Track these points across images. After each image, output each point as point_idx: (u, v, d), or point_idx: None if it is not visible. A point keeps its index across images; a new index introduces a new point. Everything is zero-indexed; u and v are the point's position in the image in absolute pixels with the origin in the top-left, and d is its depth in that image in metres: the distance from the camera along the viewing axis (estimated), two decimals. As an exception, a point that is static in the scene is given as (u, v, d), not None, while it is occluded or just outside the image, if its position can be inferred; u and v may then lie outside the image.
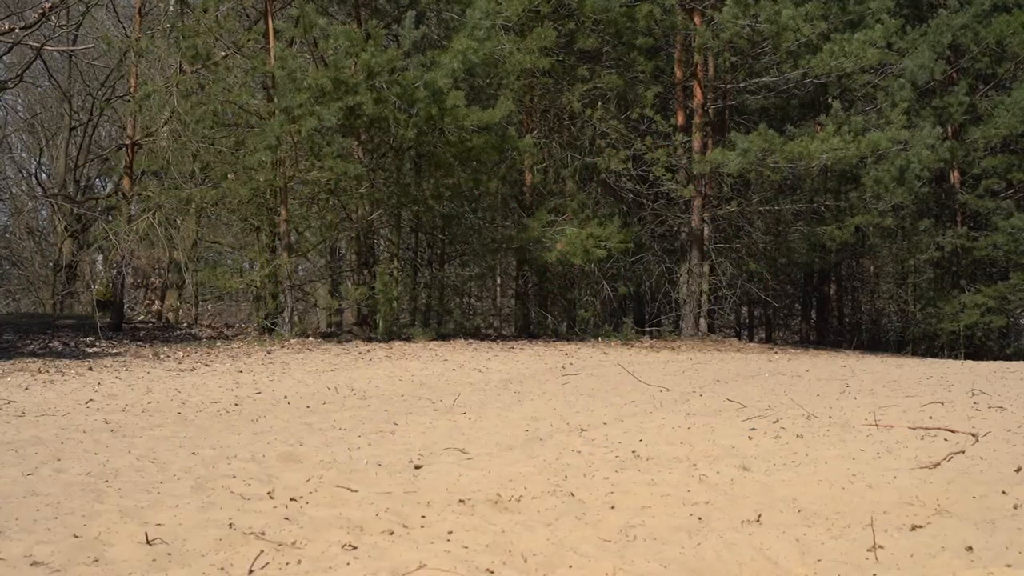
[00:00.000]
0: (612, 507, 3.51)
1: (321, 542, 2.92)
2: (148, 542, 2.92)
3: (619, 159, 16.68)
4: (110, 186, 23.38)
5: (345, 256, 17.40)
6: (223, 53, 14.57)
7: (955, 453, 4.47)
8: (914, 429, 5.27)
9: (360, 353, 12.35)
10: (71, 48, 19.10)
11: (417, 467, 4.48)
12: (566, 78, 17.18)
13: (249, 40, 14.67)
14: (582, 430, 5.76)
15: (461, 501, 3.62)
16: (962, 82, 19.64)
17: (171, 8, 16.86)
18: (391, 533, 3.08)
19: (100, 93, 21.33)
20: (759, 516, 3.34)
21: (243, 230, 16.96)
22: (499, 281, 20.10)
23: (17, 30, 13.23)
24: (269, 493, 3.72)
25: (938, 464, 4.26)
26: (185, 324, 16.85)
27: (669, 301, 18.45)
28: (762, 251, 19.29)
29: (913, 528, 3.11)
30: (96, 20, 20.77)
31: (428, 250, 18.26)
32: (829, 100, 16.93)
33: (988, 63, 20.23)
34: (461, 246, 17.69)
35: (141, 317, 18.36)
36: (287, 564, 2.71)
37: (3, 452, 4.85)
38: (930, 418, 5.69)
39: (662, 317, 18.67)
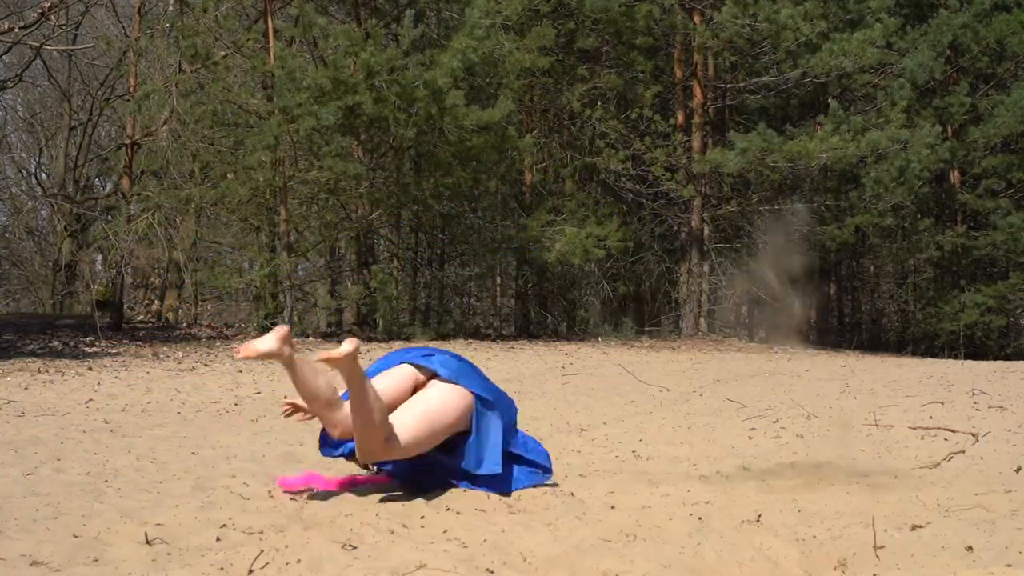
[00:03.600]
0: (612, 507, 3.50)
1: (321, 542, 2.92)
2: (148, 542, 2.92)
3: (619, 159, 16.67)
4: (109, 186, 23.38)
5: (345, 256, 17.40)
6: (223, 53, 14.56)
7: (955, 453, 4.47)
8: (914, 429, 5.27)
9: (360, 353, 12.35)
10: (70, 48, 19.10)
11: (417, 467, 4.47)
12: (566, 78, 17.18)
13: (249, 40, 14.66)
14: (582, 430, 5.76)
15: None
16: (962, 82, 19.63)
17: (171, 8, 16.86)
18: (391, 533, 3.08)
19: (100, 93, 21.33)
20: (759, 516, 3.33)
21: (243, 230, 16.97)
22: (499, 281, 20.10)
23: (16, 30, 13.23)
24: (269, 493, 3.72)
25: (938, 464, 4.26)
26: (185, 324, 16.85)
27: (669, 301, 18.45)
28: (762, 251, 19.29)
29: (913, 528, 3.10)
30: (96, 20, 20.77)
31: (428, 250, 18.26)
32: (829, 100, 16.94)
33: (988, 63, 20.21)
34: (461, 246, 17.69)
35: (141, 317, 18.36)
36: (287, 564, 2.71)
37: (3, 452, 4.85)
38: (930, 418, 5.69)
39: (662, 317, 18.68)
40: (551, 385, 9.02)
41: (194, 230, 17.38)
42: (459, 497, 3.65)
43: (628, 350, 14.30)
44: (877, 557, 2.79)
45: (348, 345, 3.30)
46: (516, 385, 9.05)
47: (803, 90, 18.14)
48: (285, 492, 3.66)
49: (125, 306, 16.32)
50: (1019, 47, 19.27)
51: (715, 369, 11.00)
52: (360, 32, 13.83)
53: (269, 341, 3.27)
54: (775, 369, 11.04)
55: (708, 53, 17.42)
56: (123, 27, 20.37)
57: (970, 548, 2.83)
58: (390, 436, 3.37)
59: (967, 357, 17.39)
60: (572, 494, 3.70)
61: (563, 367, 11.16)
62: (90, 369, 9.92)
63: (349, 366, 3.28)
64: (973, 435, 4.93)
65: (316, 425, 6.02)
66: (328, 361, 3.26)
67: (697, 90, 17.47)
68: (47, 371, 9.68)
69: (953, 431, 5.12)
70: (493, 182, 15.82)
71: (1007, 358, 17.40)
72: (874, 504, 3.49)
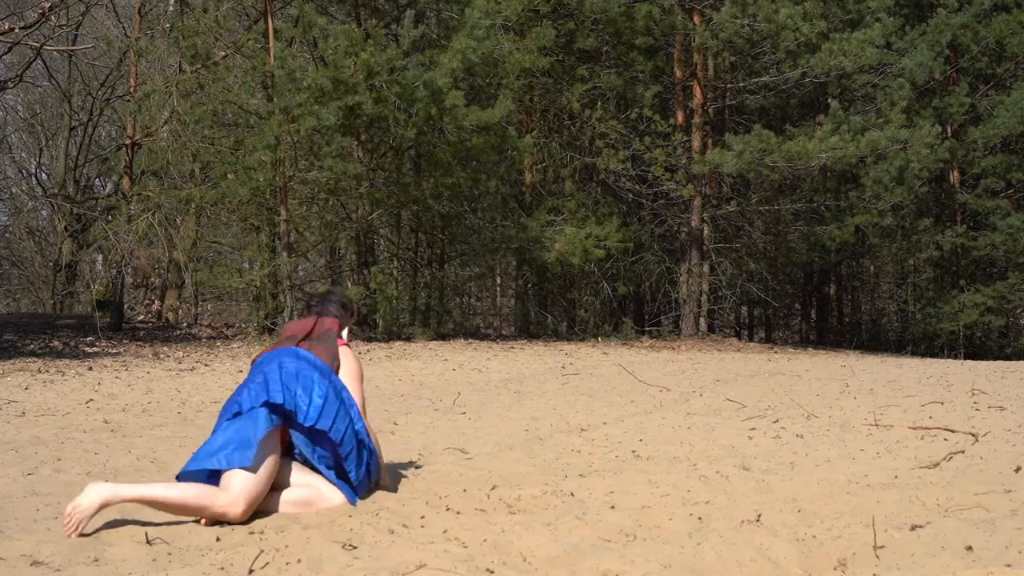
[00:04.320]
0: (612, 507, 3.51)
1: (321, 542, 2.92)
2: (148, 542, 2.93)
3: (618, 159, 16.68)
4: (110, 186, 23.40)
5: (345, 256, 17.41)
6: (223, 53, 14.58)
7: (955, 453, 4.48)
8: (914, 429, 5.28)
9: (360, 353, 12.35)
10: (71, 48, 19.10)
11: (417, 467, 4.48)
12: (566, 78, 17.19)
13: (249, 40, 14.68)
14: (582, 430, 5.77)
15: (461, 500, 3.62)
16: (962, 82, 19.64)
17: (171, 8, 16.87)
18: (391, 533, 3.08)
19: (100, 93, 21.35)
20: (759, 516, 3.33)
21: (243, 230, 16.98)
22: (499, 281, 20.11)
23: (17, 30, 13.23)
24: (269, 493, 3.71)
25: (938, 464, 4.26)
26: (185, 324, 16.85)
27: (669, 301, 18.45)
28: (762, 251, 19.31)
29: (913, 528, 3.11)
30: (96, 20, 20.78)
31: (428, 250, 18.26)
32: (829, 100, 16.95)
33: (988, 63, 20.23)
34: (461, 246, 17.70)
35: (141, 317, 18.38)
36: (287, 564, 2.72)
37: (3, 452, 4.86)
38: (930, 418, 5.69)
39: (662, 317, 18.68)
40: (551, 385, 9.02)
41: (194, 230, 17.40)
42: (459, 497, 3.65)
43: (628, 350, 14.30)
44: (877, 557, 2.80)
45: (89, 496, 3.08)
46: (516, 385, 9.06)
47: (803, 90, 18.15)
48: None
49: (125, 306, 16.33)
50: (1019, 47, 19.27)
51: (715, 369, 11.00)
52: (360, 32, 13.83)
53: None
54: (775, 369, 11.05)
55: (708, 53, 17.42)
56: (123, 27, 20.39)
57: (970, 548, 2.83)
58: (224, 500, 3.15)
59: (967, 357, 17.40)
60: (572, 494, 3.70)
61: (563, 367, 11.16)
62: (90, 369, 9.93)
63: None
64: (973, 435, 4.93)
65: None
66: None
67: (697, 90, 17.47)
68: (47, 371, 9.68)
69: (953, 431, 5.12)
70: (493, 182, 15.82)
71: (1007, 358, 17.43)
72: (874, 504, 3.50)
